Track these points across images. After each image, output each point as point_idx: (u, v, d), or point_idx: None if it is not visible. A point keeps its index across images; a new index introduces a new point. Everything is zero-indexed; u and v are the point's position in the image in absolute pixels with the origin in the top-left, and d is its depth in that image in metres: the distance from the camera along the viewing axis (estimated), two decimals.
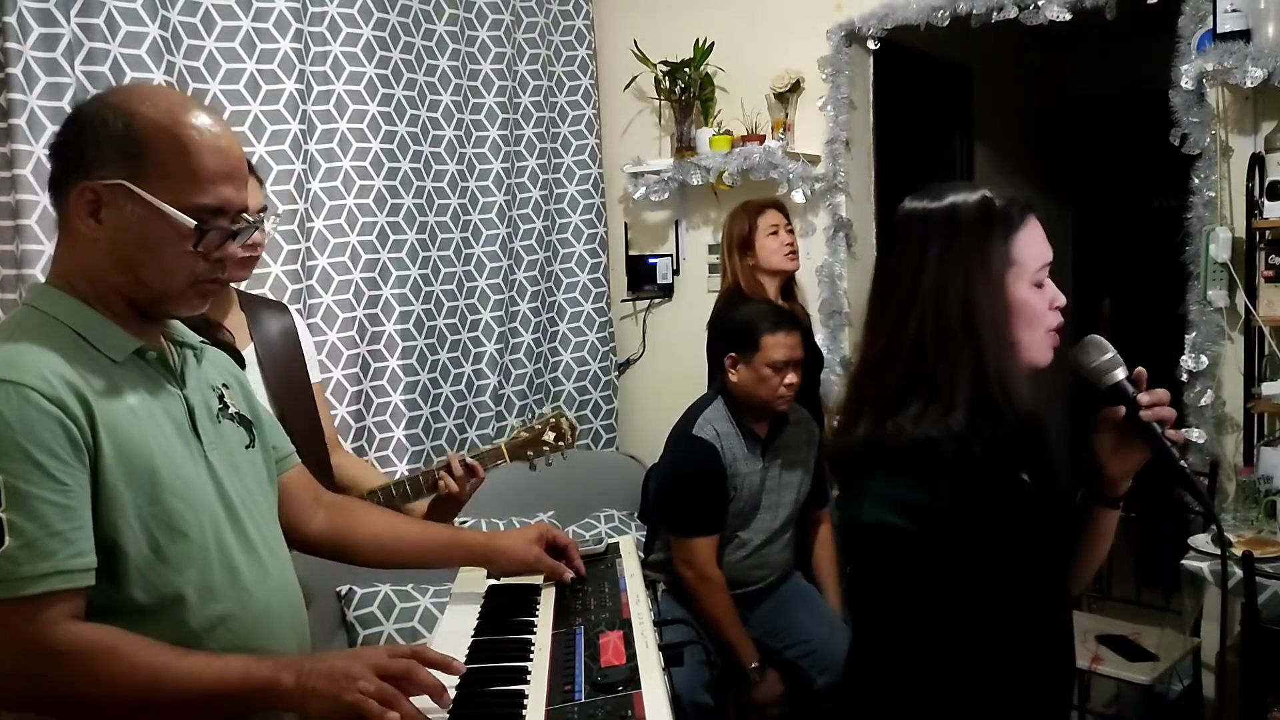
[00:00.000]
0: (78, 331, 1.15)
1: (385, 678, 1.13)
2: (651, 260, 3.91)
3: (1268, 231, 2.68)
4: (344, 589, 2.66)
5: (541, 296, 3.72)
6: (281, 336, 2.01)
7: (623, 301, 4.00)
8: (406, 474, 3.08)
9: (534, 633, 1.47)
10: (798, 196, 3.39)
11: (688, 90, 3.62)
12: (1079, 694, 2.84)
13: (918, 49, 3.85)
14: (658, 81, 3.69)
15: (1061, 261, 1.30)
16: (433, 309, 3.30)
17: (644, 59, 3.69)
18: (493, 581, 1.66)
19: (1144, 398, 1.24)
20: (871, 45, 3.42)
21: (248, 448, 1.32)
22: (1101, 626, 2.97)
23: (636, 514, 3.38)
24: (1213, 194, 2.76)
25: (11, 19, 2.22)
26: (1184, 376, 2.80)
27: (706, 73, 3.63)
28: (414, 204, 3.20)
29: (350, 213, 3.01)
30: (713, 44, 3.60)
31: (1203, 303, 2.78)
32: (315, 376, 2.11)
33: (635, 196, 3.79)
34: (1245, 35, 2.60)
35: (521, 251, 3.65)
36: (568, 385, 3.84)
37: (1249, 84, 2.57)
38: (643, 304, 3.98)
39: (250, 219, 1.23)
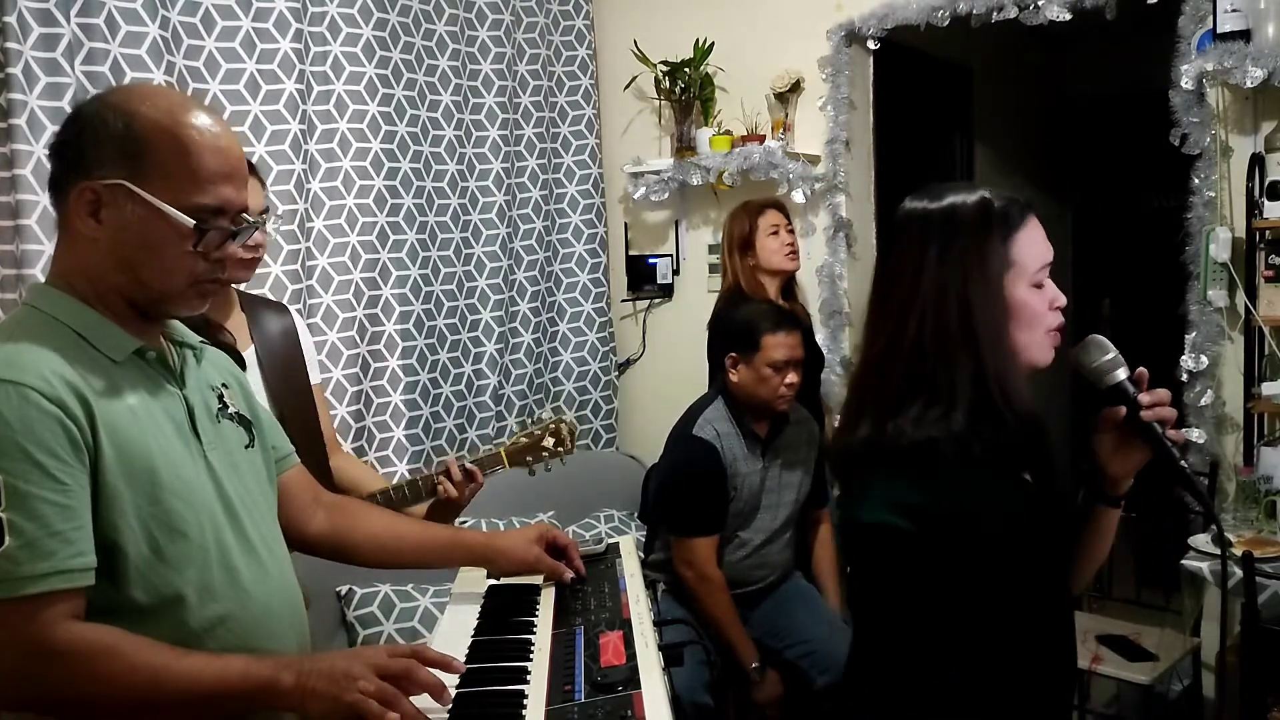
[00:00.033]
0: (78, 331, 1.15)
1: (385, 677, 1.13)
2: (651, 260, 3.91)
3: (1268, 231, 2.68)
4: (344, 589, 2.66)
5: (541, 296, 3.72)
6: (282, 337, 2.01)
7: (623, 301, 4.00)
8: (406, 474, 3.11)
9: (534, 633, 1.47)
10: (798, 196, 3.39)
11: (688, 90, 3.62)
12: (1079, 694, 2.84)
13: (918, 49, 3.85)
14: (658, 81, 3.68)
15: (1061, 261, 1.30)
16: (433, 309, 3.30)
17: (644, 59, 3.69)
18: (493, 581, 1.66)
19: (1145, 398, 1.24)
20: (871, 45, 3.42)
21: (247, 448, 1.32)
22: (1101, 626, 2.97)
23: (636, 514, 3.38)
24: (1213, 194, 2.76)
25: (11, 19, 2.22)
26: (1184, 376, 2.80)
27: (706, 73, 3.63)
28: (414, 204, 3.19)
29: (350, 213, 3.01)
30: (713, 44, 3.60)
31: (1203, 303, 2.78)
32: (315, 378, 2.11)
33: (635, 196, 3.79)
34: (1245, 35, 2.60)
35: (521, 251, 3.65)
36: (568, 385, 3.84)
37: (1249, 84, 2.57)
38: (643, 304, 3.98)
39: (251, 219, 1.23)
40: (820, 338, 3.37)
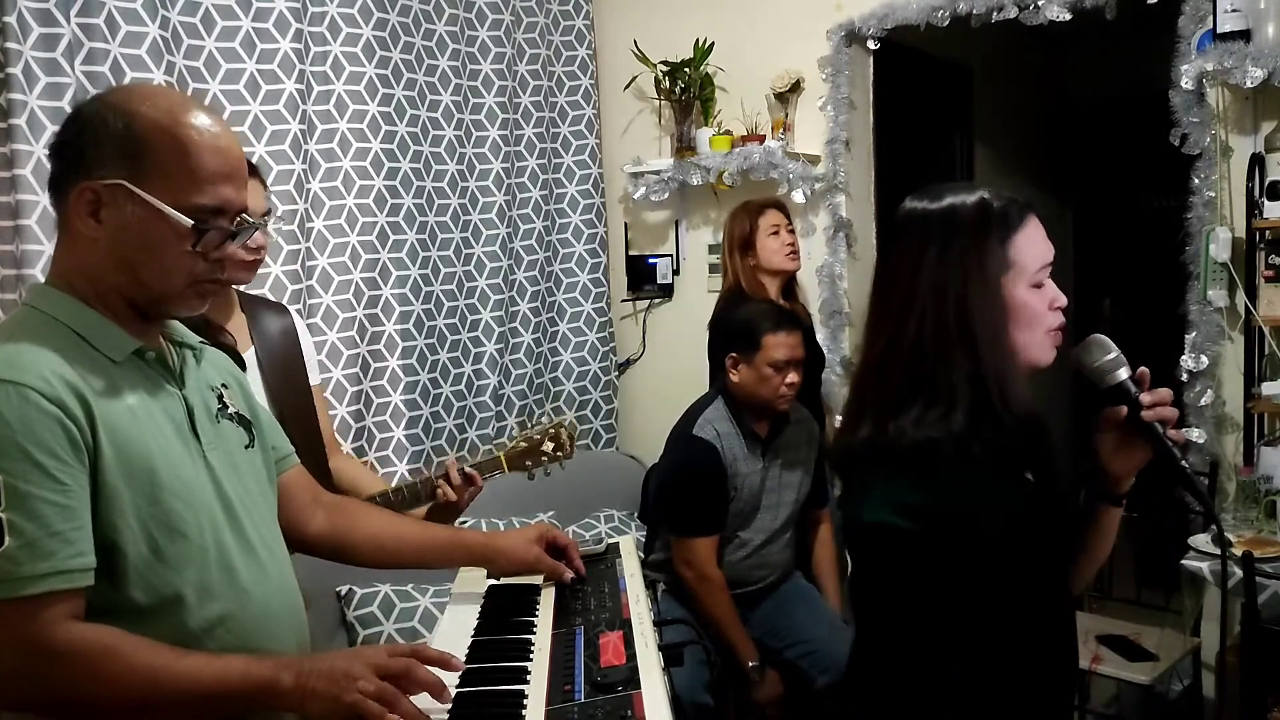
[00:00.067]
0: (77, 332, 1.15)
1: (385, 677, 1.13)
2: (651, 260, 3.91)
3: (1268, 231, 2.68)
4: (344, 589, 2.66)
5: (541, 296, 3.72)
6: (282, 338, 2.01)
7: (623, 301, 4.00)
8: (406, 474, 3.11)
9: (534, 633, 1.47)
10: (798, 196, 3.39)
11: (688, 90, 3.62)
12: (1079, 694, 2.84)
13: (918, 49, 3.85)
14: (658, 81, 3.68)
15: (1062, 261, 1.30)
16: (433, 309, 3.30)
17: (644, 59, 3.69)
18: (493, 581, 1.66)
19: (1146, 398, 1.24)
20: (871, 45, 3.42)
21: (247, 448, 1.32)
22: (1101, 626, 2.97)
23: (636, 514, 3.38)
24: (1213, 194, 2.76)
25: (11, 19, 2.22)
26: (1184, 376, 2.80)
27: (706, 73, 3.62)
28: (414, 204, 3.19)
29: (350, 213, 3.01)
30: (713, 44, 3.60)
31: (1203, 303, 2.78)
32: (315, 379, 2.11)
33: (635, 196, 3.78)
34: (1245, 35, 2.60)
35: (521, 251, 3.64)
36: (568, 385, 3.84)
37: (1249, 84, 2.57)
38: (643, 304, 3.98)
39: (250, 219, 1.23)
40: (820, 338, 3.36)
